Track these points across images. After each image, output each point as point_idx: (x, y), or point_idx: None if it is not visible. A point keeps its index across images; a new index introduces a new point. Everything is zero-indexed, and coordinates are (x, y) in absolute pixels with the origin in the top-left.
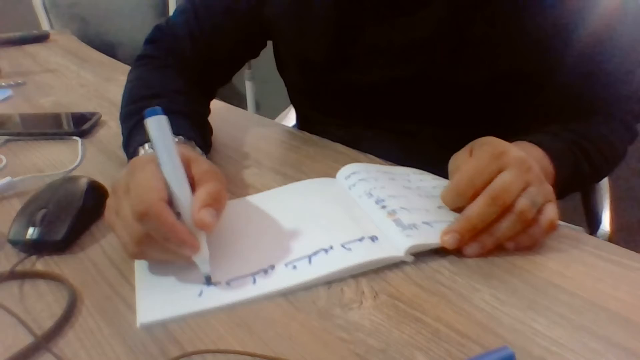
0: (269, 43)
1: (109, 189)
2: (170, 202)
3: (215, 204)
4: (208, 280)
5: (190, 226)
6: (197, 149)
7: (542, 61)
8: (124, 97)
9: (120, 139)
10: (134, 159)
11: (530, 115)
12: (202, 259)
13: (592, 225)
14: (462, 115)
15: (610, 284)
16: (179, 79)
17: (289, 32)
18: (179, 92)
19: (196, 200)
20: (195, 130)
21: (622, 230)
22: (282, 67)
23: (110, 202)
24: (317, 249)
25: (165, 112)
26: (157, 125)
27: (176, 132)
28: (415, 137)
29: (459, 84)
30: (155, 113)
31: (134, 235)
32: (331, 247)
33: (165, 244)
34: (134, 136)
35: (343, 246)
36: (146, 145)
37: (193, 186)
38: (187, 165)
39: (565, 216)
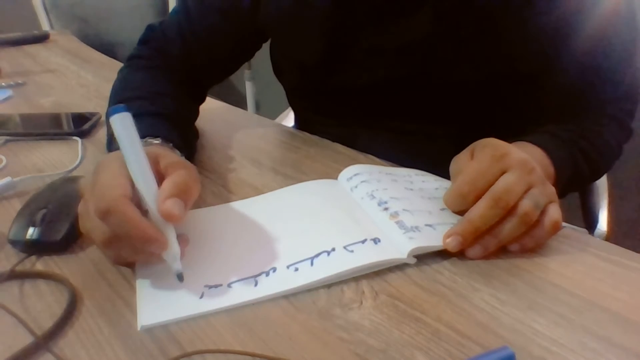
0: (267, 44)
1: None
2: (136, 200)
3: (182, 194)
4: (180, 278)
5: (158, 223)
6: (176, 151)
7: (538, 61)
8: (110, 98)
9: None
10: (101, 160)
11: (527, 114)
12: (172, 255)
13: (590, 224)
14: (460, 114)
15: (610, 284)
16: (164, 80)
17: (286, 35)
18: (163, 94)
19: (161, 192)
20: (175, 132)
21: (620, 229)
22: (279, 69)
23: (80, 208)
24: (319, 251)
25: (146, 113)
26: (121, 123)
27: (154, 133)
28: (414, 136)
29: (456, 84)
30: (118, 111)
31: (102, 236)
32: (333, 249)
33: (131, 242)
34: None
35: (345, 248)
36: None
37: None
38: (155, 161)
39: (562, 216)
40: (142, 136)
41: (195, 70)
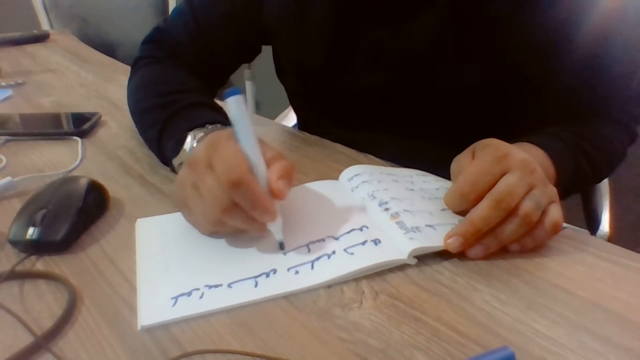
0: (269, 46)
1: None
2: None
3: (288, 176)
4: (282, 247)
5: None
6: None
7: (541, 65)
8: (141, 92)
9: (119, 138)
10: (212, 136)
11: (531, 117)
12: (276, 226)
13: (592, 226)
14: (462, 118)
15: (610, 284)
16: (194, 79)
17: (287, 38)
18: (202, 89)
19: (272, 172)
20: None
21: (622, 230)
22: (282, 71)
23: (185, 178)
24: (320, 254)
25: (200, 105)
26: (236, 104)
27: (216, 120)
28: (416, 140)
29: (457, 89)
30: (234, 93)
31: (221, 204)
32: (334, 252)
33: (250, 212)
34: (175, 124)
35: (346, 251)
36: (196, 131)
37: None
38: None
39: (564, 217)
40: (205, 123)
41: (205, 73)
